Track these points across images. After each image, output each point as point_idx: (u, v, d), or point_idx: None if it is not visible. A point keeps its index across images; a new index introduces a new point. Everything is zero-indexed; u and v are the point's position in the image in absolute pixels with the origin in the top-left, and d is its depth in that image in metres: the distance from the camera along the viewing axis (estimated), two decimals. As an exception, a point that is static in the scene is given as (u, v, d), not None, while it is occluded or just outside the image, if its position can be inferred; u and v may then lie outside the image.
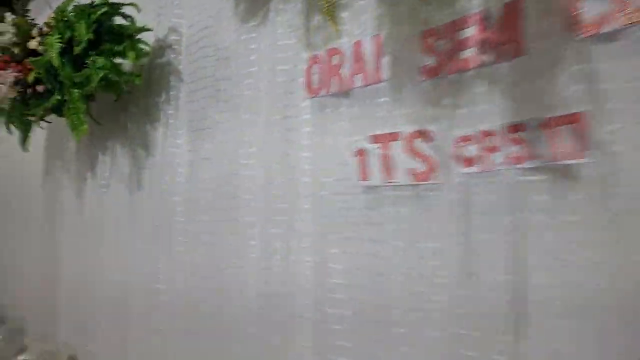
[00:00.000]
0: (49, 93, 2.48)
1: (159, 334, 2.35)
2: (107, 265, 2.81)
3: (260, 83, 1.93)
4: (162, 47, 2.52)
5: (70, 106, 2.30)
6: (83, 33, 2.13)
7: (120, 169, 2.74)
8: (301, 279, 1.66)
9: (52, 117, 2.77)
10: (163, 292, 2.34)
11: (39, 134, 3.27)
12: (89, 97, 2.46)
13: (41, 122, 2.83)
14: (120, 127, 2.75)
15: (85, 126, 2.30)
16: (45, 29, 2.41)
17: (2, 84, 2.55)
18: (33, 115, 2.59)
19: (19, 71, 2.54)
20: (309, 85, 1.69)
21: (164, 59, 2.50)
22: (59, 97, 2.39)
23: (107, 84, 2.40)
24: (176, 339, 2.25)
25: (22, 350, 3.61)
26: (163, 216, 2.39)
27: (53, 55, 2.15)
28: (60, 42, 2.16)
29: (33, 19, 2.59)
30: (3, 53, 2.62)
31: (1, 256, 4.26)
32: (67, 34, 2.20)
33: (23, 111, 2.65)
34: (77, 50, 2.15)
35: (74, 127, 2.30)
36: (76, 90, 2.28)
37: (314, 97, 1.68)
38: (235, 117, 2.03)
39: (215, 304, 2.02)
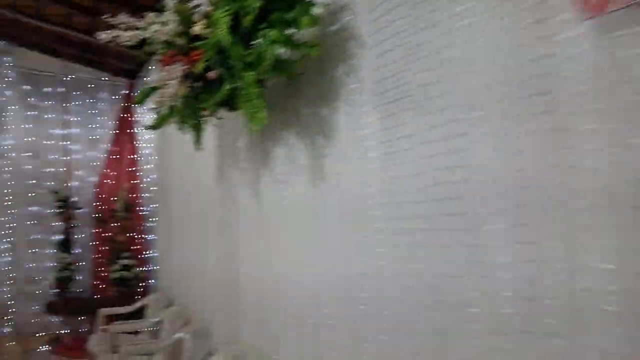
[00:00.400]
0: (219, 83, 2.20)
1: (360, 350, 1.92)
2: (290, 267, 2.48)
3: (489, 20, 1.37)
4: (332, 11, 2.08)
5: (244, 93, 1.97)
6: (251, 0, 1.77)
7: (298, 160, 2.37)
8: (599, 297, 1.08)
9: (221, 116, 2.53)
10: (363, 301, 1.89)
11: (208, 133, 3.08)
12: (261, 83, 2.11)
13: (212, 118, 2.61)
14: (294, 114, 2.38)
15: (263, 114, 1.95)
16: (208, 8, 2.11)
17: (171, 80, 2.33)
18: (205, 109, 2.34)
19: (186, 64, 2.30)
20: None
21: (337, 25, 2.06)
22: (230, 86, 2.08)
23: (278, 66, 2.04)
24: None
25: (210, 353, 3.51)
26: (355, 211, 1.96)
27: (222, 31, 1.82)
28: (227, 15, 1.83)
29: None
30: (168, 47, 2.41)
31: (185, 258, 4.28)
32: (234, 7, 1.86)
33: (195, 106, 2.43)
34: (246, 22, 1.80)
35: (251, 116, 1.96)
36: (249, 73, 1.94)
37: (595, 17, 1.07)
38: (450, 76, 1.49)
39: (441, 322, 1.52)
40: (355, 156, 1.95)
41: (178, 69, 2.31)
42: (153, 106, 2.46)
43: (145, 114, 2.73)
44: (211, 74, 2.05)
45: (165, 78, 2.34)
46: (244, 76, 1.94)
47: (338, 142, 2.06)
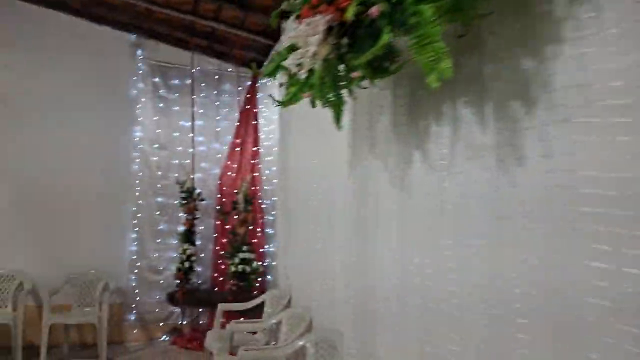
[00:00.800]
0: (373, 36, 1.62)
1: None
2: (453, 279, 1.84)
3: None
4: None
5: (420, 34, 1.35)
6: None
7: (472, 139, 1.72)
8: None
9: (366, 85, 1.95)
10: (597, 350, 1.19)
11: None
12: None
13: (352, 91, 2.05)
14: (469, 76, 1.73)
15: (448, 61, 1.32)
16: None
17: (312, 35, 1.79)
18: (350, 73, 1.77)
19: (331, 13, 1.75)
20: None
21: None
22: (389, 33, 1.49)
23: (458, 3, 1.42)
24: None
25: (336, 368, 2.96)
26: (580, 210, 1.26)
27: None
28: None
29: None
30: (308, -3, 1.88)
31: (307, 255, 3.78)
32: None
33: (336, 73, 1.87)
34: None
35: (430, 67, 1.35)
36: (427, 6, 1.33)
37: None
38: None
39: None
40: (591, 124, 1.25)
41: (321, 21, 1.76)
42: (289, 72, 1.95)
43: (270, 96, 2.19)
44: (373, 10, 1.46)
45: (304, 34, 1.81)
46: (420, 10, 1.32)
47: (552, 104, 1.37)
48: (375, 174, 2.49)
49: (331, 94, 2.00)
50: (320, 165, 3.42)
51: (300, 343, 3.10)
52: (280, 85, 2.28)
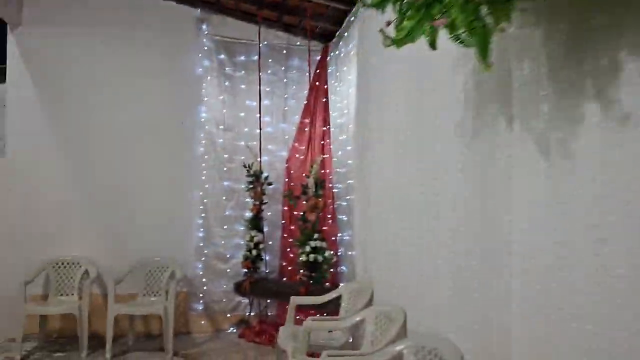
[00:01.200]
0: None
1: None
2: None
3: None
4: None
5: None
6: None
7: None
8: None
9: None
10: None
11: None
12: None
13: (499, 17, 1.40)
14: None
15: None
16: None
17: None
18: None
19: None
20: None
21: None
22: None
23: None
24: None
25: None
26: None
27: None
28: None
29: None
30: None
31: (395, 244, 3.17)
32: None
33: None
34: None
35: None
36: None
37: None
38: None
39: None
40: None
41: None
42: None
43: (381, 31, 1.55)
44: None
45: None
46: None
47: None
48: (508, 143, 1.83)
49: (472, 23, 1.37)
50: (417, 136, 2.77)
51: (397, 348, 2.50)
52: (388, 23, 1.68)
